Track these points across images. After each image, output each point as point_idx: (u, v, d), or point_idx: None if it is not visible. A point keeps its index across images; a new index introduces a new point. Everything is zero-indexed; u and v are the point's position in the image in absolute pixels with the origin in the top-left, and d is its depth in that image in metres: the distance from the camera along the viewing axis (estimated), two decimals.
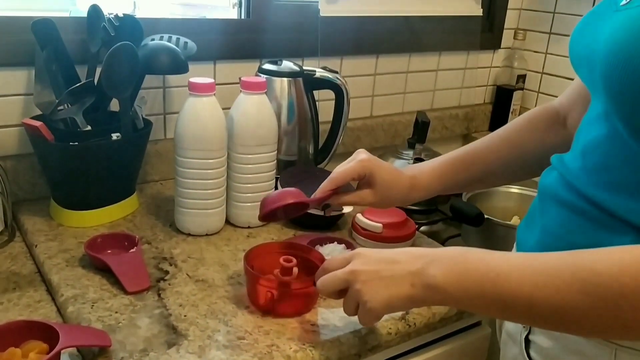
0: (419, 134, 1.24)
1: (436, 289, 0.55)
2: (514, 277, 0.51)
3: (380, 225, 0.91)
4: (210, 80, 0.87)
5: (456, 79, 1.56)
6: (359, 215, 0.94)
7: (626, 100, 0.51)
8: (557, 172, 0.63)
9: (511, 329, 0.69)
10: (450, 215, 1.20)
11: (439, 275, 0.55)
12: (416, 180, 0.78)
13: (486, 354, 0.90)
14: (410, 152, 1.24)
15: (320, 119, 1.15)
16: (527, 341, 0.65)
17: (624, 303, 0.46)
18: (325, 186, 0.74)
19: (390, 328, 0.73)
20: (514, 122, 0.81)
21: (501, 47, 1.60)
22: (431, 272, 0.56)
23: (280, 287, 0.72)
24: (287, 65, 1.08)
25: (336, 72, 1.11)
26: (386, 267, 0.59)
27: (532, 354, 0.64)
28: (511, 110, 1.60)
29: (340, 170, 0.75)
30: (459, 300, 0.55)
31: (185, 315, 0.72)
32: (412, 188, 0.78)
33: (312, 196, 0.75)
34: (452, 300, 0.56)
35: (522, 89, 1.60)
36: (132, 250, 0.82)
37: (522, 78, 1.59)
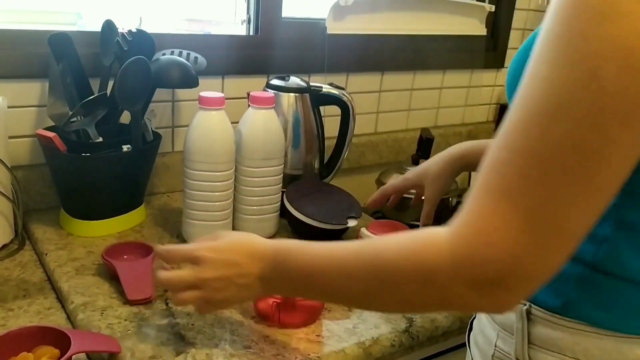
0: (423, 151, 1.26)
1: (278, 290, 0.65)
2: (326, 271, 0.57)
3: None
4: (220, 94, 0.89)
5: (460, 97, 1.59)
6: (364, 230, 0.95)
7: None
8: None
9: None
10: None
11: (283, 286, 0.63)
12: (455, 153, 0.93)
13: None
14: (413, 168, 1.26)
15: (325, 134, 1.17)
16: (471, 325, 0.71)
17: (402, 284, 0.51)
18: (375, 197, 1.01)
19: (394, 340, 0.75)
20: None
21: (504, 66, 1.63)
22: (277, 286, 0.63)
23: (284, 297, 0.73)
24: (295, 81, 1.10)
25: (342, 89, 1.13)
26: (235, 271, 0.63)
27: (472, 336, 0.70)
28: None
29: (395, 184, 0.99)
30: (301, 297, 0.71)
31: (192, 324, 0.73)
32: (454, 162, 0.93)
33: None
34: (289, 293, 0.69)
35: None
36: (143, 259, 0.84)
37: None
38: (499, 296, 0.46)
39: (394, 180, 1.01)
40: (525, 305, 0.57)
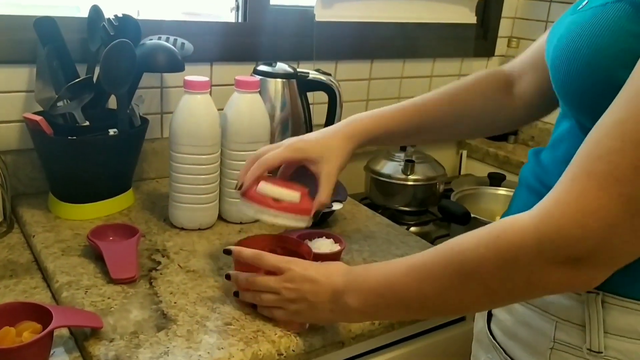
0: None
1: (353, 314, 0.64)
2: (403, 280, 0.59)
3: (298, 194, 0.78)
4: (205, 78, 0.90)
5: None
6: (264, 185, 0.77)
7: (572, 103, 0.55)
8: (530, 164, 0.66)
9: None
10: (439, 216, 1.23)
11: (355, 301, 0.63)
12: (353, 129, 0.79)
13: (469, 348, 0.91)
14: (402, 154, 1.27)
15: (313, 122, 1.17)
16: (490, 314, 0.69)
17: (484, 272, 0.52)
18: (250, 175, 0.76)
19: None
20: (462, 81, 0.82)
21: (495, 54, 1.63)
22: (348, 301, 0.63)
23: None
24: (281, 67, 1.11)
25: (329, 75, 1.14)
26: (310, 288, 0.66)
27: (493, 326, 0.68)
28: None
29: (273, 157, 0.77)
30: (372, 316, 0.69)
31: (175, 302, 0.74)
32: (351, 137, 0.79)
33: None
34: (366, 318, 0.70)
35: None
36: (128, 240, 0.85)
37: None
38: (586, 273, 0.49)
39: (268, 150, 0.79)
40: (597, 293, 0.55)
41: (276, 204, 0.76)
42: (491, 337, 0.67)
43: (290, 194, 0.77)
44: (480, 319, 0.72)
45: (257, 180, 0.77)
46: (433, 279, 0.56)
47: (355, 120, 0.80)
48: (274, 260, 0.70)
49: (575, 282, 0.50)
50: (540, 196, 0.61)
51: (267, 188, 0.77)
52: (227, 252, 0.74)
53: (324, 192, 0.76)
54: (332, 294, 0.64)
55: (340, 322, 0.72)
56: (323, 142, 0.78)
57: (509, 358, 0.63)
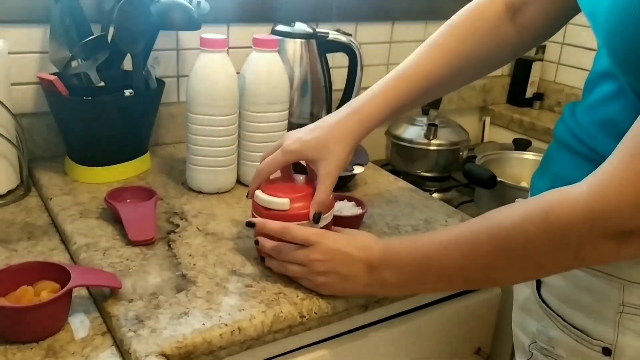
0: (434, 101, 1.23)
1: (390, 288, 0.64)
2: (443, 253, 0.58)
3: (287, 200, 0.71)
4: (222, 36, 0.87)
5: None
6: (258, 193, 0.72)
7: (630, 65, 0.50)
8: (566, 121, 0.62)
9: None
10: (462, 182, 1.20)
11: (392, 276, 0.62)
12: (361, 115, 0.73)
13: (496, 315, 0.89)
14: (424, 119, 1.24)
15: (333, 87, 1.14)
16: (539, 281, 0.65)
17: (531, 248, 0.51)
18: (254, 183, 0.74)
19: None
20: (455, 26, 0.74)
21: None
22: (385, 276, 0.62)
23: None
24: (301, 27, 1.08)
25: (350, 35, 1.10)
26: (342, 259, 0.64)
27: (544, 293, 0.64)
28: (530, 82, 1.58)
29: (270, 164, 0.73)
30: (410, 290, 0.68)
31: (194, 265, 0.73)
32: (361, 126, 0.72)
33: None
34: (403, 292, 0.69)
35: (541, 59, 1.57)
36: (146, 202, 0.83)
37: (541, 49, 1.56)
38: (637, 245, 0.49)
39: (270, 154, 0.75)
40: None
41: (268, 212, 0.71)
42: (544, 304, 0.63)
43: (279, 202, 0.70)
44: (524, 287, 0.68)
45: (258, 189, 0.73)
46: (475, 255, 0.55)
47: (357, 109, 0.73)
48: (303, 233, 0.67)
49: (625, 252, 0.49)
50: (585, 157, 0.57)
51: (259, 197, 0.72)
52: (250, 224, 0.71)
53: (321, 192, 0.70)
54: (368, 268, 0.63)
55: (375, 295, 0.70)
56: (321, 142, 0.71)
57: (569, 325, 0.60)
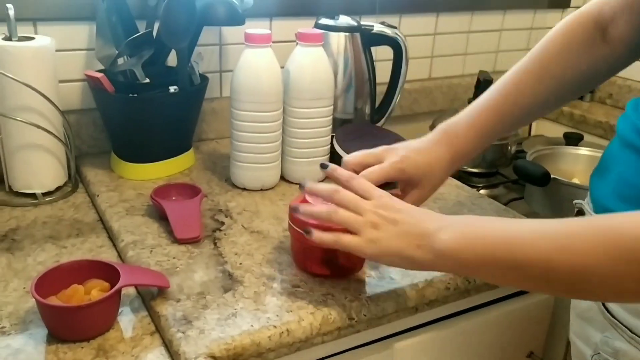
0: (481, 94, 1.19)
1: (444, 254, 0.54)
2: (530, 241, 0.50)
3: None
4: (266, 31, 0.85)
5: (521, 40, 1.49)
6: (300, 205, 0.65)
7: None
8: (630, 119, 0.58)
9: None
10: (510, 178, 1.15)
11: (450, 240, 0.53)
12: (455, 148, 0.71)
13: (550, 317, 0.86)
14: None
15: (377, 80, 1.12)
16: None
17: None
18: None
19: (449, 283, 0.71)
20: (545, 50, 0.70)
21: (571, 5, 1.51)
22: (442, 237, 0.54)
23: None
24: (345, 20, 1.05)
25: (395, 27, 1.08)
26: (404, 218, 0.57)
27: (609, 303, 0.60)
28: None
29: (375, 174, 0.67)
30: (469, 265, 0.53)
31: (240, 264, 0.72)
32: (452, 160, 0.71)
33: None
34: (461, 267, 0.54)
35: None
36: (191, 199, 0.83)
37: None
38: None
39: (366, 161, 0.70)
40: None
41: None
42: (609, 314, 0.59)
43: None
44: None
45: None
46: (573, 252, 0.47)
47: (456, 139, 0.71)
48: (369, 184, 0.62)
49: None
50: None
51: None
52: (324, 166, 0.67)
53: None
54: (422, 233, 0.56)
55: (418, 265, 0.57)
56: (427, 167, 0.69)
57: (637, 337, 0.56)
